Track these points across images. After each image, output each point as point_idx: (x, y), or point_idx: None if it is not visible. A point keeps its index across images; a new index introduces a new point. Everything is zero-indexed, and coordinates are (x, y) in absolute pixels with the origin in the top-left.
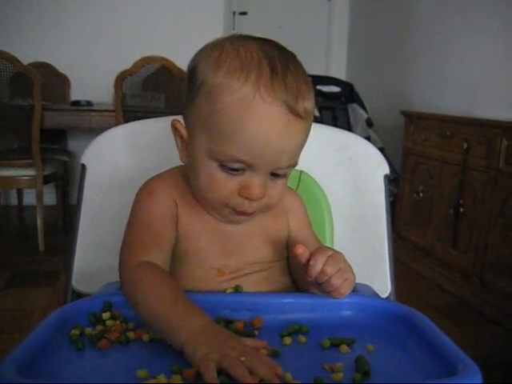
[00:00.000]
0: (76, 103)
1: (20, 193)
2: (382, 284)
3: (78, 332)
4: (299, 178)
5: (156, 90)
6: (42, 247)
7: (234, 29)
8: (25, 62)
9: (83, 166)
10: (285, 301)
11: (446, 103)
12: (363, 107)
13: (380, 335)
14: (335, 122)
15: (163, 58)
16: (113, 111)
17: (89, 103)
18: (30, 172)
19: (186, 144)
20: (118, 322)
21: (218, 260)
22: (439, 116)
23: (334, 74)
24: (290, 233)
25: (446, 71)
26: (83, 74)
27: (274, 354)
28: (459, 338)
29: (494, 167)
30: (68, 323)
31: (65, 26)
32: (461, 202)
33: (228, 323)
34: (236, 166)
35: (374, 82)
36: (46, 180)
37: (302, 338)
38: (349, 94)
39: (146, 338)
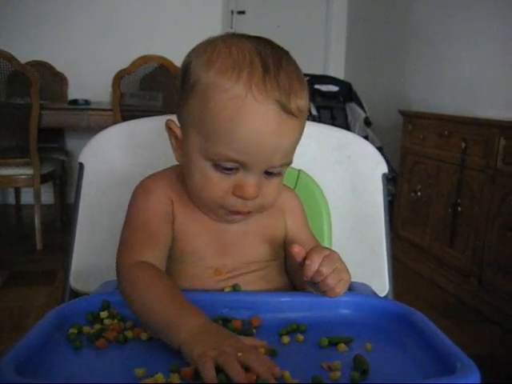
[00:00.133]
0: (74, 102)
1: (18, 192)
2: (380, 283)
3: (75, 331)
4: (297, 176)
5: (154, 89)
6: (39, 246)
7: (232, 28)
8: (22, 60)
9: (81, 165)
10: (283, 299)
11: (444, 102)
12: (361, 106)
13: (378, 334)
14: (333, 121)
15: (161, 57)
16: (111, 110)
17: (87, 102)
18: (28, 171)
19: (181, 144)
20: (115, 320)
21: (215, 259)
22: (437, 115)
23: (332, 73)
24: (287, 232)
25: (444, 71)
26: (81, 72)
27: (272, 353)
28: (457, 337)
29: (491, 166)
30: (66, 322)
31: (63, 24)
32: (459, 201)
33: (226, 322)
34: (229, 165)
35: (372, 81)
36: (44, 179)
37: (300, 337)
38: (347, 93)
39: (144, 336)
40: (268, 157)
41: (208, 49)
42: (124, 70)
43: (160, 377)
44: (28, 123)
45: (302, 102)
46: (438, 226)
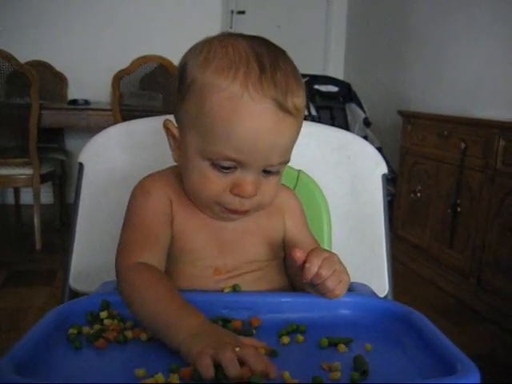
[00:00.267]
0: (73, 102)
1: (17, 192)
2: (380, 283)
3: (75, 331)
4: (297, 177)
5: (153, 89)
6: (38, 246)
7: (231, 28)
8: (22, 60)
9: (81, 165)
10: (283, 300)
11: (443, 103)
12: (361, 107)
13: (378, 334)
14: (333, 122)
15: (161, 57)
16: (110, 110)
17: (86, 102)
18: (27, 171)
19: (179, 143)
20: (115, 321)
21: (214, 258)
22: (437, 116)
23: (331, 73)
24: (287, 232)
25: (443, 71)
26: (81, 72)
27: (272, 354)
28: (456, 338)
29: (491, 167)
30: (66, 322)
31: (62, 24)
32: (458, 201)
33: (226, 322)
34: (227, 164)
35: (372, 81)
36: (43, 179)
37: (300, 338)
38: (346, 93)
39: (143, 337)
40: (265, 155)
41: (204, 49)
42: (124, 70)
43: (160, 377)
44: (27, 123)
45: (298, 100)
46: (437, 226)
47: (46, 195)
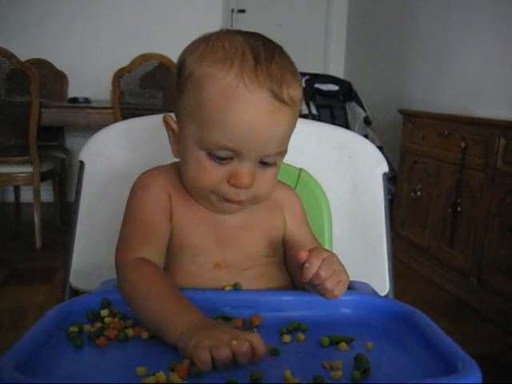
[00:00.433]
0: (74, 100)
1: (17, 190)
2: (381, 282)
3: (76, 329)
4: (298, 175)
5: (154, 87)
6: (39, 244)
7: (232, 26)
8: (22, 58)
9: (81, 163)
10: (284, 298)
11: (444, 102)
12: (361, 106)
13: (379, 333)
14: (333, 121)
15: (161, 56)
16: (111, 108)
17: (86, 100)
18: (27, 169)
19: (178, 137)
20: (116, 319)
21: (214, 253)
22: (437, 115)
23: (332, 72)
24: (287, 230)
25: (444, 70)
26: (81, 70)
27: (273, 352)
28: (456, 337)
29: (491, 166)
30: (66, 320)
31: (63, 22)
32: (458, 200)
33: (227, 321)
34: (223, 154)
35: (372, 80)
36: (43, 177)
37: (301, 336)
38: (347, 92)
39: (144, 335)
40: (261, 145)
41: (202, 44)
42: (124, 68)
43: (161, 375)
44: (28, 121)
45: (294, 91)
46: (437, 225)
47: (46, 193)
